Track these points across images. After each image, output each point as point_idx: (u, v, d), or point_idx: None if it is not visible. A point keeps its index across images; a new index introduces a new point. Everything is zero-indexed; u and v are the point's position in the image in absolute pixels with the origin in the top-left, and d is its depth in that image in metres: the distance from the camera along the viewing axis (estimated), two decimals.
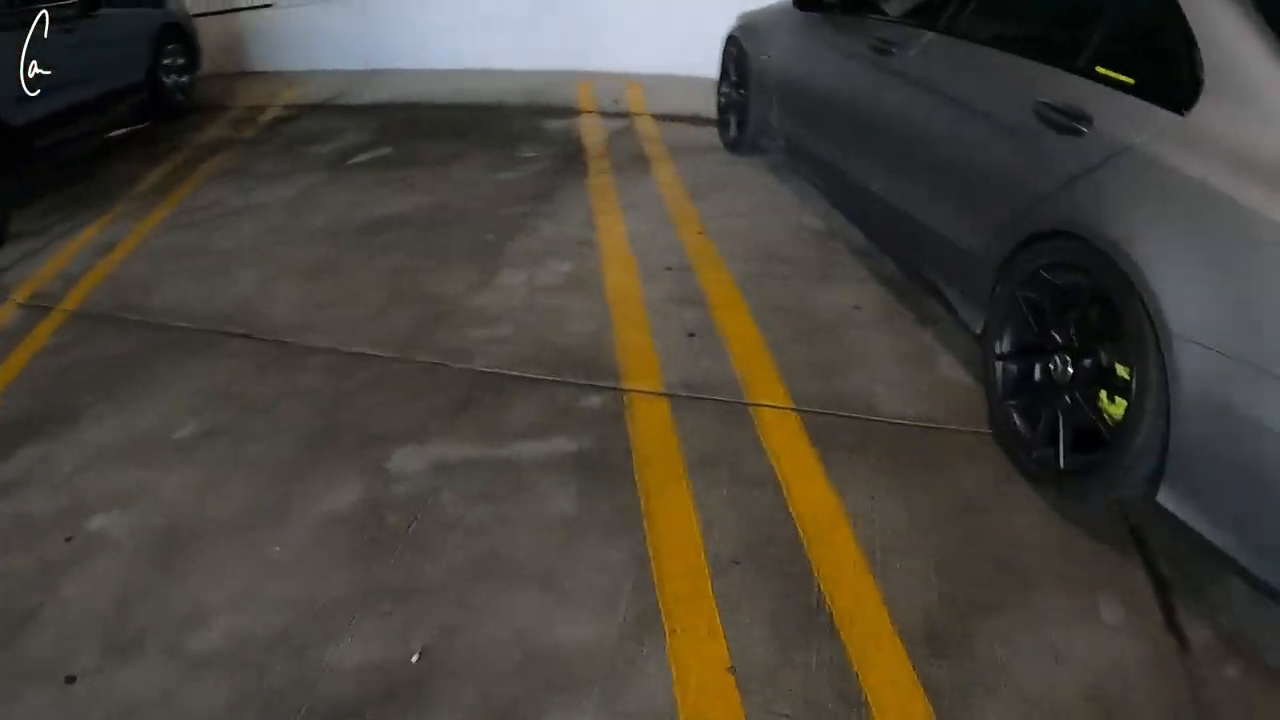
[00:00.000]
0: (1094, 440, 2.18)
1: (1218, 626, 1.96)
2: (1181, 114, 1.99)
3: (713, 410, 2.80)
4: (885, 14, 3.62)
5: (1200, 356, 1.81)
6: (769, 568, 2.16)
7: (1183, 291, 1.86)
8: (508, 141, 5.79)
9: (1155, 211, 1.96)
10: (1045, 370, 2.39)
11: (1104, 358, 2.19)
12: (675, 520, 2.33)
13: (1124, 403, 2.05)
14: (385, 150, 5.87)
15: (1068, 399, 2.28)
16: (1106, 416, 2.16)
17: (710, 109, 5.57)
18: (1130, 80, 2.18)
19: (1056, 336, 2.34)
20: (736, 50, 4.98)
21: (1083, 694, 1.81)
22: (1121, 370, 2.11)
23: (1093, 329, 2.22)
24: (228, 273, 4.06)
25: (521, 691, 1.86)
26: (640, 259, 3.89)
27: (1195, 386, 1.83)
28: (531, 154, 5.49)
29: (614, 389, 2.94)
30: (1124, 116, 2.13)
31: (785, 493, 2.42)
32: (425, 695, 1.87)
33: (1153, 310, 1.91)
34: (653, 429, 2.72)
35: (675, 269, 3.78)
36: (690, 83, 6.46)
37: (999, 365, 2.55)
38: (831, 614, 2.01)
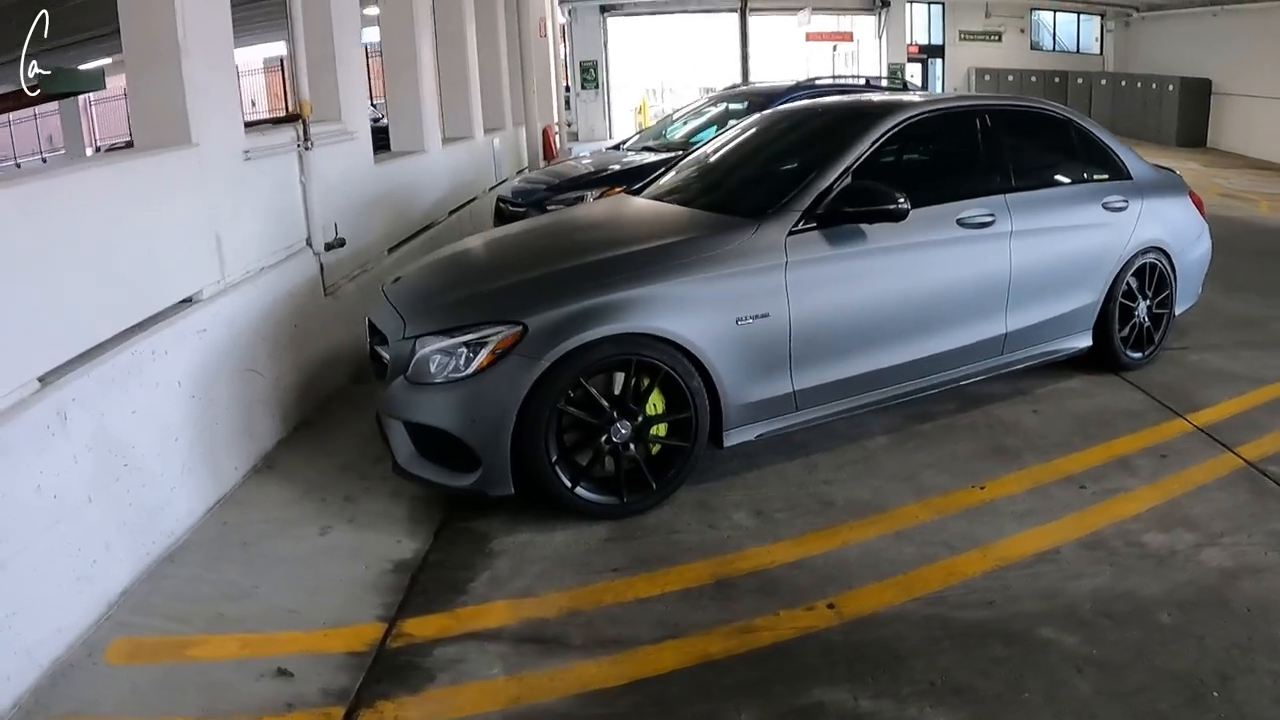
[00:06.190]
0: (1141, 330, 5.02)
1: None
2: (1131, 179, 4.98)
3: None
4: (936, 199, 4.21)
5: (1174, 254, 5.06)
6: None
7: (1168, 239, 5.01)
8: None
9: (1161, 216, 5.01)
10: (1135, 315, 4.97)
11: (1150, 286, 5.01)
12: None
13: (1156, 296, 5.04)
14: None
15: (1146, 317, 5.00)
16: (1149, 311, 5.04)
17: None
18: (1106, 177, 4.96)
19: (1137, 294, 4.94)
20: (660, 355, 3.48)
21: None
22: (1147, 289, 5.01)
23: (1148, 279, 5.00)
24: None
25: None
26: None
27: (1182, 265, 5.14)
28: None
29: None
30: (1127, 190, 4.92)
31: None
32: None
33: (1167, 249, 5.02)
34: None
35: None
36: None
37: (1120, 342, 4.91)
38: None
